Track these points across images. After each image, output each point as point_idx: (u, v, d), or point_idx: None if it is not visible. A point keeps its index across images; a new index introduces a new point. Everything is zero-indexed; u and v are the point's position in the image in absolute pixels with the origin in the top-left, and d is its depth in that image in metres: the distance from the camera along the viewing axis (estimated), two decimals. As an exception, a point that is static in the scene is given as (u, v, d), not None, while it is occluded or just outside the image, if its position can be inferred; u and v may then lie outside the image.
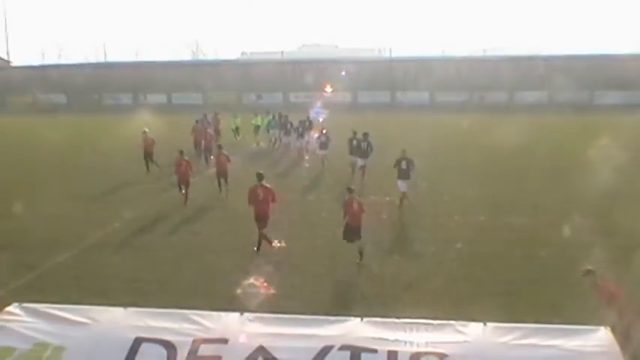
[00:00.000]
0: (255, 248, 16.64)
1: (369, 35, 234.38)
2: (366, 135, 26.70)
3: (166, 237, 18.55)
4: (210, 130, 34.02)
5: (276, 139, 37.27)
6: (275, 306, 12.40)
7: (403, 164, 21.12)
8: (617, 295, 10.19)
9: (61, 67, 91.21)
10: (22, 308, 7.79)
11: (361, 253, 15.79)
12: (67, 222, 20.33)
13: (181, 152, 23.38)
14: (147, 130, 29.82)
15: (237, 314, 7.67)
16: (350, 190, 16.40)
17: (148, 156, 28.89)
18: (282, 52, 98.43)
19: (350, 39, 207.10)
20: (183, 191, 22.78)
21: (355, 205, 15.85)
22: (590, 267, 10.41)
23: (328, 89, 71.92)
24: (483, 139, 36.26)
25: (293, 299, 13.34)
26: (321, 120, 38.26)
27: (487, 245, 17.06)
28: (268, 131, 37.95)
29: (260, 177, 16.69)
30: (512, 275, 14.72)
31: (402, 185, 21.27)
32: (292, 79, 78.30)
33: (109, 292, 13.68)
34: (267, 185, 16.73)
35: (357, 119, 38.88)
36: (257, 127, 39.64)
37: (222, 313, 7.73)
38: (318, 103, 44.56)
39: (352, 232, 15.81)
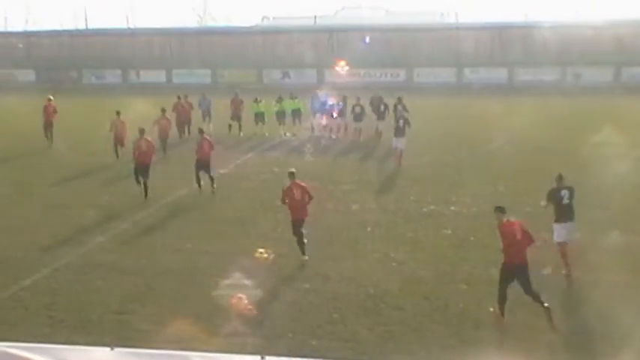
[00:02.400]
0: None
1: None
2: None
3: (162, 255, 18.60)
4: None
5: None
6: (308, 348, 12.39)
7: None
8: (519, 238, 13.91)
9: (28, 35, 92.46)
10: (-21, 347, 7.82)
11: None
12: (36, 235, 20.47)
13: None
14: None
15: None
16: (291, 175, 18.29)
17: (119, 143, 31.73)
18: (314, 18, 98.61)
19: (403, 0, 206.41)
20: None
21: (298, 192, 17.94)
22: (501, 205, 14.20)
23: (341, 66, 71.92)
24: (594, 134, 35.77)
25: (332, 339, 13.30)
26: (335, 115, 39.15)
27: None
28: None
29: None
30: None
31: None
32: (328, 51, 78.28)
33: (91, 326, 13.75)
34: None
35: (416, 105, 38.75)
36: (282, 114, 39.94)
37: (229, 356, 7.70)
38: (323, 91, 44.74)
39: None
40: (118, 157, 31.60)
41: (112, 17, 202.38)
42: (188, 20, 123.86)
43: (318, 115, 39.45)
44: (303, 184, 18.21)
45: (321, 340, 13.40)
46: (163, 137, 33.38)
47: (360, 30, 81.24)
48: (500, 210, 14.50)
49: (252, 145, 36.57)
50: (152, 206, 23.50)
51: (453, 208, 22.53)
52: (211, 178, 25.66)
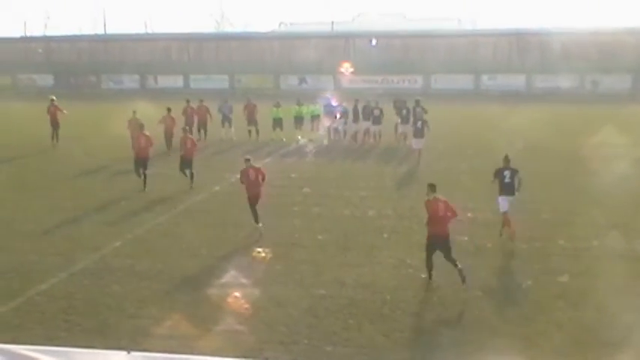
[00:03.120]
0: None
1: (445, 2, 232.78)
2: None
3: (178, 260, 18.64)
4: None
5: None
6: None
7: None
8: (441, 215, 16.28)
9: (47, 41, 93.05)
10: (-4, 350, 7.85)
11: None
12: (53, 240, 20.59)
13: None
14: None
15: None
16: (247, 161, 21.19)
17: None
18: (332, 23, 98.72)
19: (421, 6, 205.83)
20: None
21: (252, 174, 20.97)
22: (433, 183, 16.50)
23: (346, 68, 71.83)
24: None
25: (348, 346, 13.27)
26: (338, 116, 39.60)
27: None
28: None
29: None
30: None
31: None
32: (346, 57, 78.30)
33: (108, 330, 13.78)
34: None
35: (433, 111, 38.67)
36: (300, 119, 40.09)
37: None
38: (329, 93, 45.49)
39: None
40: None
41: (131, 23, 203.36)
42: (206, 26, 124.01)
43: (327, 119, 39.88)
44: (257, 166, 21.39)
45: (337, 346, 13.36)
46: (168, 135, 35.34)
47: (378, 36, 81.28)
48: (430, 187, 16.74)
49: (269, 150, 36.62)
50: (168, 211, 23.54)
51: (469, 214, 22.41)
52: (192, 175, 27.08)
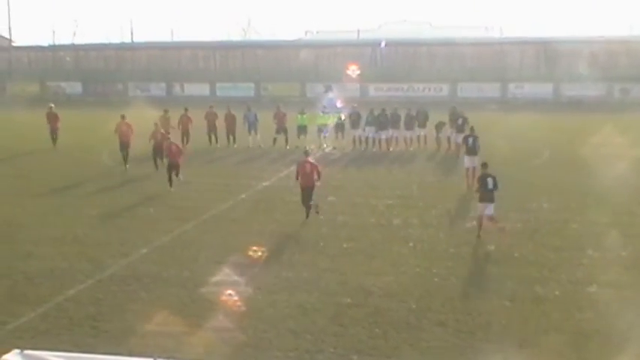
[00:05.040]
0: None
1: (472, 10, 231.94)
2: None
3: (204, 267, 18.68)
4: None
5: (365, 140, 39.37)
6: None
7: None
8: (308, 171, 22.95)
9: (76, 49, 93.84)
10: (25, 356, 7.89)
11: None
12: (82, 246, 20.74)
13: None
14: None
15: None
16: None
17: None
18: (358, 32, 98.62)
19: (447, 14, 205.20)
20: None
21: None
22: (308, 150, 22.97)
23: (353, 70, 71.65)
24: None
25: (373, 355, 13.25)
26: (343, 117, 40.33)
27: None
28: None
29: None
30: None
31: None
32: (371, 66, 78.24)
33: (135, 336, 13.85)
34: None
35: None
36: (324, 127, 40.10)
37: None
38: (332, 94, 46.43)
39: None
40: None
41: (158, 31, 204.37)
42: (232, 34, 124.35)
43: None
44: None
45: (363, 355, 13.34)
46: (185, 131, 38.62)
47: (405, 44, 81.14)
48: (305, 151, 24.42)
49: (295, 158, 36.52)
50: (195, 218, 23.63)
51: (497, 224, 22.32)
52: (178, 177, 28.33)
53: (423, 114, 39.32)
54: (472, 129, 29.65)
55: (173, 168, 28.27)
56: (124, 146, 33.60)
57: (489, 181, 21.09)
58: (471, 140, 28.26)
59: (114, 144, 34.51)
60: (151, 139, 32.45)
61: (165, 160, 29.64)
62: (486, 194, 20.99)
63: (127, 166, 33.32)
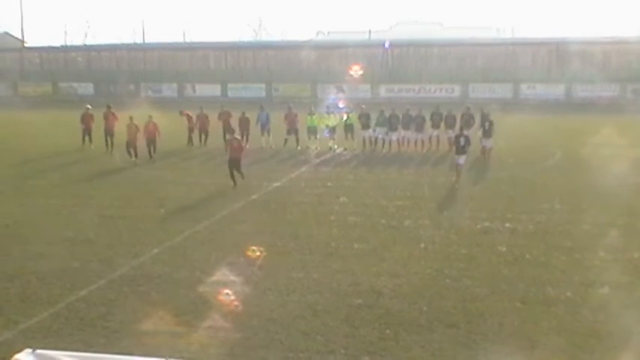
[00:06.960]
0: None
1: (483, 10, 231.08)
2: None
3: (216, 268, 18.69)
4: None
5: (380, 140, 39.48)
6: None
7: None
8: (235, 147, 29.08)
9: (88, 50, 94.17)
10: (37, 355, 7.91)
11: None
12: (94, 246, 20.77)
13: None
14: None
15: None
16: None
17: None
18: (369, 32, 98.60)
19: (459, 15, 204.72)
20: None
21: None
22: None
23: (355, 70, 71.58)
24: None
25: (384, 356, 13.22)
26: (345, 117, 40.53)
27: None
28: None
29: None
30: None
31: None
32: (383, 66, 78.17)
33: (146, 337, 13.87)
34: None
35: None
36: (333, 128, 40.12)
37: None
38: (335, 93, 47.33)
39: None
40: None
41: (169, 32, 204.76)
42: (243, 35, 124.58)
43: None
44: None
45: (374, 356, 13.32)
46: (204, 130, 41.12)
47: (417, 45, 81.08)
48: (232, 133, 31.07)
49: (305, 158, 36.69)
50: (206, 219, 23.64)
51: (508, 225, 22.28)
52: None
53: (438, 115, 39.00)
54: (461, 128, 31.55)
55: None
56: (150, 142, 36.26)
57: (462, 140, 29.43)
58: (462, 140, 29.72)
59: (123, 144, 34.86)
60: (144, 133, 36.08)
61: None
62: (459, 149, 29.38)
63: (153, 159, 35.91)
